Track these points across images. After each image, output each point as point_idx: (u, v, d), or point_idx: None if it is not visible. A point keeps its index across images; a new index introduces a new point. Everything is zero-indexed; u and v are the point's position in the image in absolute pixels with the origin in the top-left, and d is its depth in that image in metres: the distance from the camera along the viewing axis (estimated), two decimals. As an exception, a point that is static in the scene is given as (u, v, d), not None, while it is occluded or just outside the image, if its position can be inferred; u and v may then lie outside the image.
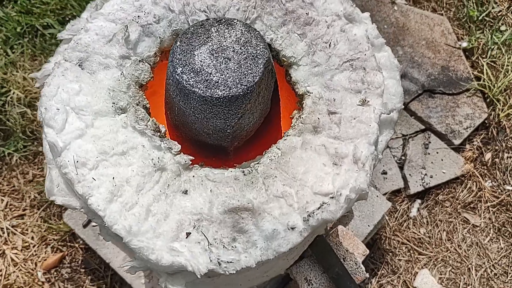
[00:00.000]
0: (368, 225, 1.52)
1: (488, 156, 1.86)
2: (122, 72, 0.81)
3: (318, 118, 0.79)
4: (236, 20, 0.78)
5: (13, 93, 1.78)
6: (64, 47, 0.85)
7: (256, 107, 0.78)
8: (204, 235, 0.70)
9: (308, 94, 0.82)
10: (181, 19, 0.87)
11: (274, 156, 0.77)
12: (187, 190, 0.74)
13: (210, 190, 0.74)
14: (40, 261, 1.61)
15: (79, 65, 0.80)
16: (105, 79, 0.80)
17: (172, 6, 0.87)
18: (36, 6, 1.96)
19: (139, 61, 0.83)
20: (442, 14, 2.13)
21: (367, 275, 1.24)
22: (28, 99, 1.79)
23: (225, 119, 0.75)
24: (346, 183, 0.72)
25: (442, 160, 1.81)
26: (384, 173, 1.78)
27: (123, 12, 0.85)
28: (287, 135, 0.79)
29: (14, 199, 1.71)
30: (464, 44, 2.03)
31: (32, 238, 1.64)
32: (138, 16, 0.85)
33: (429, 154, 1.82)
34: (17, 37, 1.89)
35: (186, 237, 0.70)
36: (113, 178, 0.73)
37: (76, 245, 1.64)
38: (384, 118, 0.80)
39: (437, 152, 1.82)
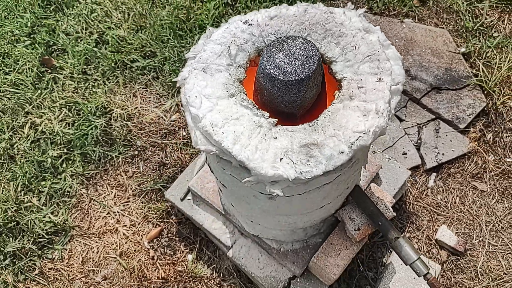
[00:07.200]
0: (394, 188, 1.98)
1: (489, 136, 2.30)
2: (230, 73, 1.33)
3: (352, 91, 1.29)
4: (297, 37, 1.30)
5: (115, 111, 2.35)
6: (190, 62, 1.38)
7: (313, 86, 1.29)
8: (291, 159, 1.20)
9: (344, 78, 1.32)
10: (260, 40, 1.40)
11: (327, 115, 1.27)
12: (276, 137, 1.25)
13: (290, 136, 1.24)
14: (144, 234, 2.12)
15: (203, 71, 1.33)
16: (220, 78, 1.33)
17: (254, 33, 1.39)
18: (124, 46, 2.55)
19: (238, 66, 1.35)
20: (443, 28, 2.62)
21: (394, 214, 1.70)
22: (126, 114, 2.35)
23: (296, 94, 1.26)
24: (372, 125, 1.21)
25: (451, 141, 2.26)
26: (404, 154, 2.24)
27: (224, 38, 1.39)
28: (333, 103, 1.29)
29: (120, 190, 2.24)
30: (463, 50, 2.51)
31: (137, 218, 2.16)
32: (234, 40, 1.38)
33: (440, 137, 2.27)
34: (112, 70, 2.48)
35: (280, 161, 1.20)
36: (234, 132, 1.24)
37: (171, 220, 2.15)
38: (394, 88, 1.29)
39: (446, 135, 2.27)
